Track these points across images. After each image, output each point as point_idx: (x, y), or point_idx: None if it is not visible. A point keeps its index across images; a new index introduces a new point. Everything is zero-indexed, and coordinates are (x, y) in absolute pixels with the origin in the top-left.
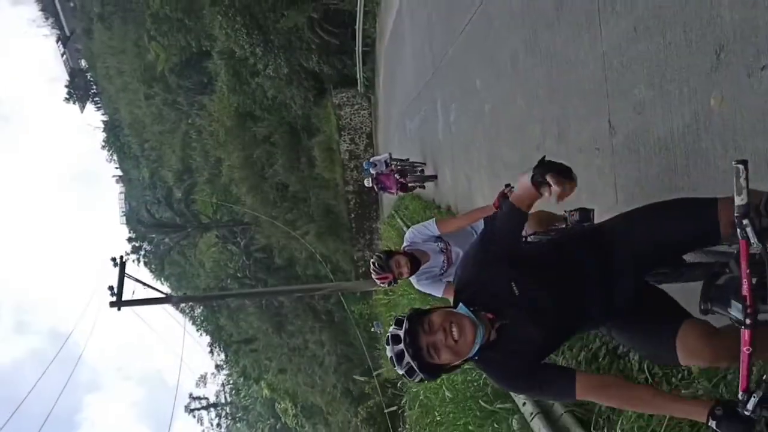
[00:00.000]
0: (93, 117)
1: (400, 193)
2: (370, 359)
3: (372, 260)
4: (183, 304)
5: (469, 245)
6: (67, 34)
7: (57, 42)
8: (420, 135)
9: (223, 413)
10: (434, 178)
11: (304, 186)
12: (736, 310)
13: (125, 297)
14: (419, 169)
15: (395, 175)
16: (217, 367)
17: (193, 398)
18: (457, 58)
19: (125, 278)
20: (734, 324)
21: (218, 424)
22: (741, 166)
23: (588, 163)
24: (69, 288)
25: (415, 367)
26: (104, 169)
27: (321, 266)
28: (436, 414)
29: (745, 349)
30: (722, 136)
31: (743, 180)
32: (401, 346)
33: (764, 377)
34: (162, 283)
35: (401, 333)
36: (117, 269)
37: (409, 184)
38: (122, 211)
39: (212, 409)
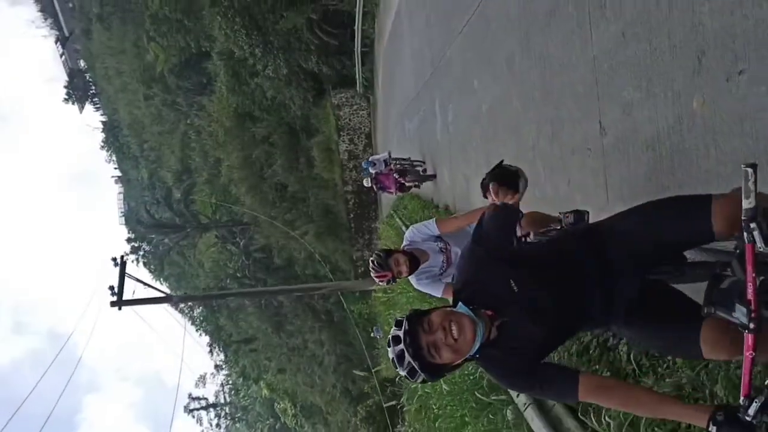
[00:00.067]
0: (92, 117)
1: (399, 193)
2: (369, 358)
3: (371, 258)
4: (182, 305)
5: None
6: (66, 34)
7: (56, 42)
8: (419, 135)
9: (223, 413)
10: (433, 177)
11: (303, 186)
12: (740, 314)
13: (126, 297)
14: (420, 168)
15: (394, 175)
16: (217, 367)
17: (192, 398)
18: (455, 59)
19: (126, 278)
20: (738, 328)
21: (217, 425)
22: (750, 170)
23: (581, 163)
24: (68, 289)
25: (416, 367)
26: (103, 170)
27: (320, 266)
28: (434, 407)
29: (748, 354)
30: (704, 136)
31: (751, 183)
32: (401, 346)
33: (766, 383)
34: (161, 284)
35: (401, 334)
36: (116, 269)
37: (406, 184)
38: (121, 212)
39: (211, 409)
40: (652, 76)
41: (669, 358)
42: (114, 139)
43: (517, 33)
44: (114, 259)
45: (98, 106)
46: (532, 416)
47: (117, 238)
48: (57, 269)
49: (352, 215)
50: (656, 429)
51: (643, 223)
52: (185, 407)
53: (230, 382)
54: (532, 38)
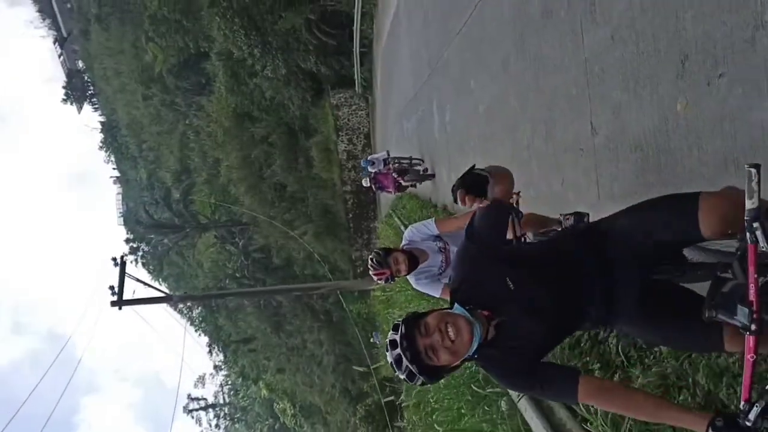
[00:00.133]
0: (90, 118)
1: (397, 193)
2: (368, 357)
3: (370, 256)
4: (181, 305)
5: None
6: (65, 35)
7: (54, 43)
8: (417, 135)
9: (222, 414)
10: (432, 177)
11: (302, 186)
12: (742, 315)
13: (126, 297)
14: (420, 168)
15: (393, 174)
16: (216, 367)
17: (191, 399)
18: (452, 59)
19: (126, 278)
20: (739, 331)
21: (217, 425)
22: (753, 170)
23: (574, 162)
24: (67, 289)
25: (414, 371)
26: (102, 170)
27: (319, 266)
28: (431, 401)
29: (749, 357)
30: (687, 137)
31: (755, 184)
32: (398, 351)
33: (767, 387)
34: (160, 284)
35: (398, 338)
36: (116, 269)
37: (404, 183)
38: (120, 212)
39: (211, 409)
40: (639, 79)
41: (656, 349)
42: (113, 139)
43: (512, 35)
44: (114, 259)
45: (97, 106)
46: (525, 407)
47: (116, 238)
48: (56, 270)
49: (350, 215)
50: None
51: (637, 221)
52: (184, 408)
53: (229, 382)
54: (527, 40)
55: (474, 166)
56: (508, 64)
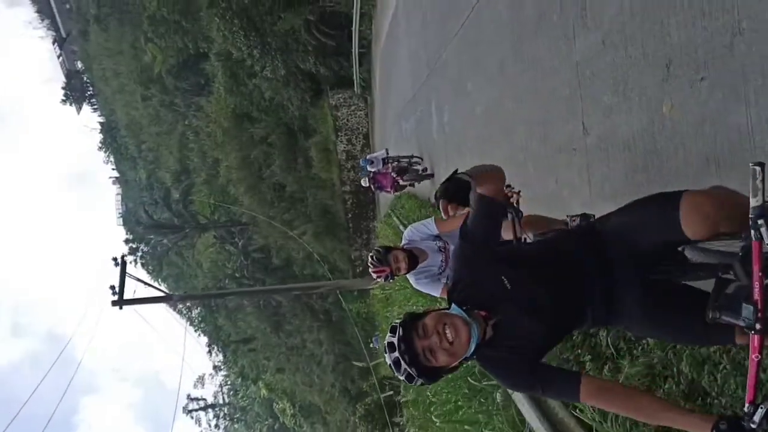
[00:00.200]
0: (90, 118)
1: (396, 192)
2: (368, 357)
3: (370, 254)
4: (181, 305)
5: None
6: (63, 35)
7: (53, 44)
8: (416, 135)
9: (221, 414)
10: (431, 176)
11: (302, 186)
12: (747, 313)
13: (126, 296)
14: (419, 168)
15: (392, 174)
16: (215, 367)
17: (191, 399)
18: (450, 61)
19: (126, 278)
20: (744, 330)
21: (216, 425)
22: (758, 168)
23: (567, 162)
24: (66, 290)
25: (413, 373)
26: (102, 171)
27: (318, 266)
28: (430, 395)
29: (753, 356)
30: (672, 138)
31: (759, 182)
32: (397, 353)
33: None
34: (160, 284)
35: (395, 341)
36: (116, 269)
37: (401, 183)
38: (119, 213)
39: (210, 409)
40: (627, 82)
41: (643, 341)
42: (112, 139)
43: (509, 37)
44: (114, 259)
45: (96, 106)
46: (519, 398)
47: (115, 238)
48: (56, 270)
49: (350, 215)
50: None
51: (627, 221)
52: (184, 408)
53: (229, 382)
54: (523, 43)
55: (456, 171)
56: (504, 66)
